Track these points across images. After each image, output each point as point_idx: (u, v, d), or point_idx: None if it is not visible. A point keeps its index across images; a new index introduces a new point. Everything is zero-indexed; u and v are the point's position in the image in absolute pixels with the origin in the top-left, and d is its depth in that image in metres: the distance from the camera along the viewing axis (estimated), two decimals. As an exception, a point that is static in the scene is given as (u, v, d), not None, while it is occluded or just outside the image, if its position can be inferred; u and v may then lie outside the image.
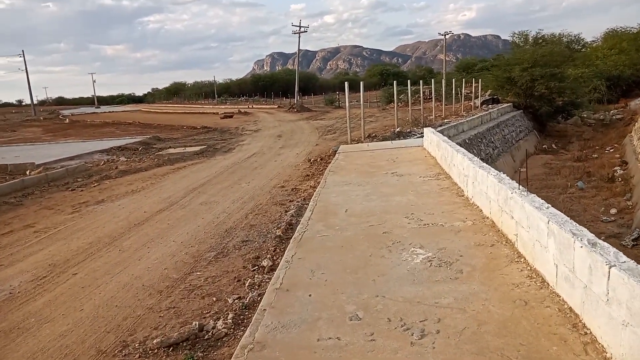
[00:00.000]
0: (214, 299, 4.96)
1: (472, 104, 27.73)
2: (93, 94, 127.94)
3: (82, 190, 11.65)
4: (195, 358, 3.84)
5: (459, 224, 5.51)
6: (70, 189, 11.83)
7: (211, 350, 3.93)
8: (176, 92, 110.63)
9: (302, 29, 49.41)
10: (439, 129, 14.13)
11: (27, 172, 13.46)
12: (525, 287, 3.72)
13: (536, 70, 27.30)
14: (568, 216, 3.79)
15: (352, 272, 4.40)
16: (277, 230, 6.97)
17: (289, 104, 49.49)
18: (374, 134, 16.47)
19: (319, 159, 13.42)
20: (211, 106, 63.46)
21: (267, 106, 55.60)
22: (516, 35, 47.62)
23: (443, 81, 29.05)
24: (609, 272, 2.72)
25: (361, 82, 16.66)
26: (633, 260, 2.77)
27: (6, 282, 5.93)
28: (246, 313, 4.44)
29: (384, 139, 15.12)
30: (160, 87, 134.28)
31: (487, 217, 5.59)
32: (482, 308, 3.48)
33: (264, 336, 3.41)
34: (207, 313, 4.64)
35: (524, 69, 27.81)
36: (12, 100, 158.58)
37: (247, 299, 4.72)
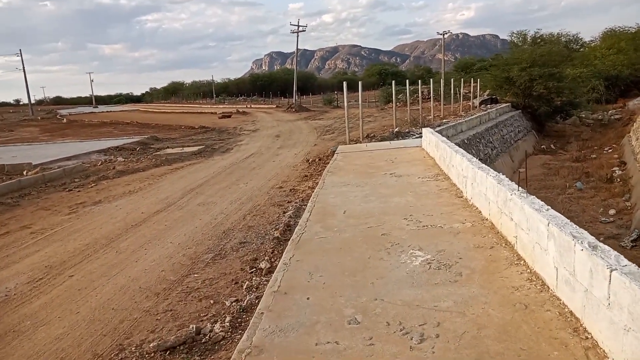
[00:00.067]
0: (212, 301, 4.92)
1: (470, 103, 27.72)
2: (91, 93, 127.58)
3: (79, 191, 11.59)
4: (192, 362, 3.81)
5: (458, 226, 5.48)
6: (67, 190, 11.78)
7: (208, 354, 3.89)
8: (174, 91, 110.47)
9: (301, 29, 49.38)
10: (438, 129, 14.11)
11: (24, 173, 13.40)
12: (525, 290, 3.69)
13: (535, 70, 27.29)
14: (567, 217, 3.77)
15: (351, 274, 4.37)
16: (275, 232, 6.93)
17: (288, 104, 49.44)
18: (372, 134, 16.44)
19: (317, 160, 13.38)
20: (209, 106, 63.34)
21: (266, 106, 55.52)
22: (515, 35, 47.72)
23: (442, 81, 29.05)
24: (610, 275, 2.70)
25: (359, 82, 16.65)
26: (634, 264, 2.74)
27: (2, 284, 5.89)
28: (244, 316, 4.40)
29: (383, 139, 15.09)
30: (158, 86, 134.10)
31: (487, 219, 5.56)
32: (481, 312, 3.45)
33: (261, 340, 3.38)
34: (205, 316, 4.60)
35: (522, 68, 27.80)
36: (10, 99, 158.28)
37: (245, 302, 4.68)
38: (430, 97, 25.68)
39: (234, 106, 55.32)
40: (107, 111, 71.53)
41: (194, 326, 4.23)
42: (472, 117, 20.39)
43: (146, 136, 24.30)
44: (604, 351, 2.81)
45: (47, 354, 4.13)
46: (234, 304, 4.74)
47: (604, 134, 26.38)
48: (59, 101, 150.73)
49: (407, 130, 16.93)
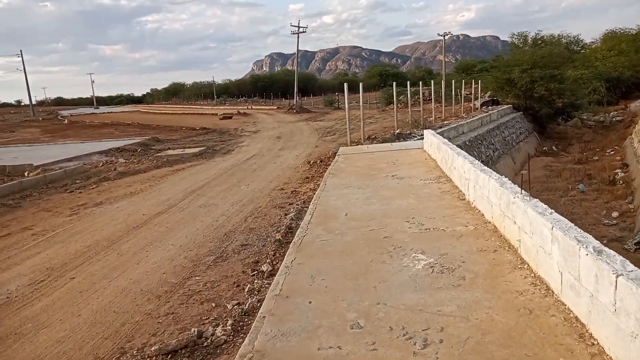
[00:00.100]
0: (213, 304, 4.90)
1: (471, 105, 27.68)
2: (92, 94, 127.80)
3: (80, 192, 11.58)
4: (194, 366, 3.79)
5: (461, 229, 5.46)
6: (68, 191, 11.77)
7: (210, 358, 3.87)
8: (175, 92, 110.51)
9: (301, 30, 49.45)
10: (439, 130, 14.08)
11: (26, 174, 13.39)
12: (530, 295, 3.66)
13: (536, 72, 27.24)
14: (569, 219, 3.74)
15: (353, 278, 4.34)
16: (277, 234, 6.91)
17: (288, 105, 49.44)
18: (373, 136, 16.42)
19: (318, 161, 13.36)
20: (210, 107, 63.38)
21: (266, 107, 55.54)
22: (515, 36, 47.61)
23: (442, 82, 29.01)
24: (616, 281, 2.67)
25: (360, 83, 16.62)
26: (641, 270, 2.72)
27: (3, 286, 5.87)
28: (245, 319, 4.37)
29: (384, 140, 15.06)
30: (159, 87, 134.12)
31: (489, 222, 5.54)
32: (485, 316, 3.42)
33: (263, 345, 3.36)
34: (206, 319, 4.57)
35: (523, 70, 27.76)
36: (11, 100, 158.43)
37: (247, 305, 4.66)
38: (431, 99, 25.70)
39: (235, 107, 55.34)
40: (108, 112, 71.62)
41: (196, 329, 4.21)
42: (474, 118, 20.36)
43: (147, 137, 24.30)
44: (610, 358, 2.78)
45: (49, 357, 4.11)
46: (235, 307, 4.72)
47: (605, 135, 26.34)
48: (60, 102, 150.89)
49: (408, 131, 16.90)
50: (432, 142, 10.72)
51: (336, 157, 12.36)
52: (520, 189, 4.75)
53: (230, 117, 39.18)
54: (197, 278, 5.67)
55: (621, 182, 15.77)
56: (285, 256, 5.26)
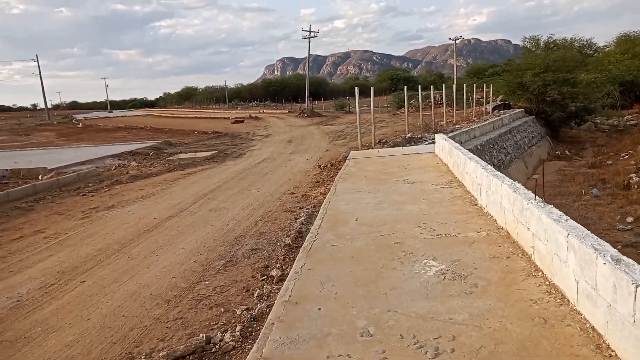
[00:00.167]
0: (222, 309, 4.87)
1: (483, 109, 27.50)
2: (106, 98, 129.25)
3: (93, 196, 11.66)
4: (202, 372, 3.75)
5: (473, 235, 5.38)
6: (81, 194, 11.85)
7: (218, 364, 3.84)
8: (188, 96, 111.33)
9: (312, 34, 49.50)
10: (451, 134, 13.97)
11: (40, 177, 13.53)
12: (544, 304, 3.58)
13: (548, 76, 26.98)
14: (583, 224, 3.66)
15: (363, 284, 4.28)
16: (287, 239, 6.88)
17: (300, 109, 49.53)
18: (384, 140, 16.35)
19: (329, 165, 13.33)
20: (222, 111, 63.71)
21: (278, 111, 55.70)
22: (527, 40, 47.20)
23: (454, 86, 28.85)
24: (636, 291, 2.59)
25: (371, 87, 16.59)
26: (660, 279, 2.63)
27: (14, 289, 5.90)
28: (254, 325, 4.34)
29: (395, 144, 14.99)
30: (172, 91, 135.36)
31: (502, 228, 5.45)
32: (498, 325, 3.34)
33: (271, 352, 3.31)
34: (215, 324, 4.54)
35: (535, 74, 27.50)
36: (27, 104, 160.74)
37: (256, 311, 4.62)
38: (442, 103, 25.54)
39: (247, 111, 55.59)
40: (122, 116, 72.25)
41: (204, 335, 4.18)
42: (485, 122, 20.20)
43: (159, 141, 24.46)
44: (628, 370, 2.70)
45: (57, 361, 4.11)
46: (244, 312, 4.68)
47: (619, 139, 25.97)
48: (74, 106, 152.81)
49: (419, 135, 16.80)
50: (443, 146, 10.63)
51: (347, 161, 12.31)
52: (534, 194, 4.66)
53: (242, 121, 39.35)
54: (206, 282, 5.65)
55: (636, 186, 15.50)
56: (295, 261, 5.22)
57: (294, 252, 6.15)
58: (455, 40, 55.14)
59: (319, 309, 3.88)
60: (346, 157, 13.16)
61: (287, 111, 53.13)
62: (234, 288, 5.43)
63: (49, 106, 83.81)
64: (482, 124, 19.66)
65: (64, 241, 7.88)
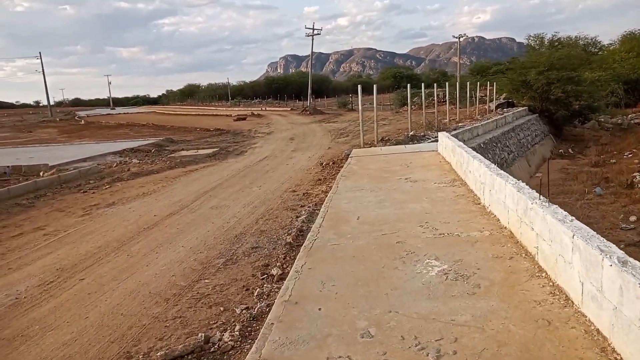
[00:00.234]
0: (222, 308, 4.82)
1: (486, 107, 27.38)
2: (109, 95, 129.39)
3: (93, 193, 11.63)
4: (200, 373, 3.70)
5: (476, 234, 5.31)
6: (82, 191, 11.82)
7: (217, 364, 3.79)
8: (190, 94, 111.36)
9: (316, 32, 49.38)
10: (454, 132, 13.89)
11: (41, 174, 13.51)
12: (548, 305, 3.51)
13: (552, 74, 26.85)
14: (586, 223, 3.59)
15: (364, 284, 4.22)
16: (288, 237, 6.82)
17: (302, 107, 49.43)
18: (387, 138, 16.27)
19: (331, 163, 13.27)
20: (225, 108, 63.69)
21: (280, 108, 55.61)
22: (532, 38, 47.01)
23: (457, 84, 28.74)
24: (643, 294, 2.52)
25: (374, 85, 16.49)
26: (668, 282, 2.56)
27: (13, 286, 5.87)
28: (254, 325, 4.29)
29: (398, 142, 14.91)
30: (175, 89, 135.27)
31: (505, 227, 5.38)
32: (501, 327, 3.28)
33: (270, 353, 3.26)
34: (214, 324, 4.49)
35: (539, 72, 27.37)
36: (30, 101, 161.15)
37: (255, 310, 4.57)
38: (445, 101, 25.43)
39: (249, 109, 55.50)
40: (124, 113, 72.29)
41: (203, 335, 4.13)
42: (488, 120, 20.10)
43: (161, 138, 24.41)
44: (634, 374, 2.64)
45: (54, 360, 4.07)
46: (244, 311, 4.64)
47: (623, 138, 25.84)
48: (77, 103, 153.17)
49: (422, 133, 16.72)
50: (446, 144, 10.55)
51: (349, 159, 12.24)
52: (538, 194, 4.59)
53: (244, 119, 39.28)
54: (206, 281, 5.60)
55: (639, 185, 15.39)
56: (296, 260, 5.16)
57: (294, 251, 6.09)
58: (459, 38, 54.89)
59: (319, 309, 3.83)
60: (348, 155, 13.09)
61: (289, 109, 53.03)
62: (233, 287, 5.38)
63: (52, 103, 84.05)
64: (485, 122, 19.57)
65: (63, 238, 7.84)
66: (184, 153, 18.54)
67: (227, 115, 45.15)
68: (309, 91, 51.05)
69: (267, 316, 3.99)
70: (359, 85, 15.52)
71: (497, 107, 27.63)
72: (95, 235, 7.91)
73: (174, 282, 5.63)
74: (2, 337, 4.56)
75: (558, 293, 3.67)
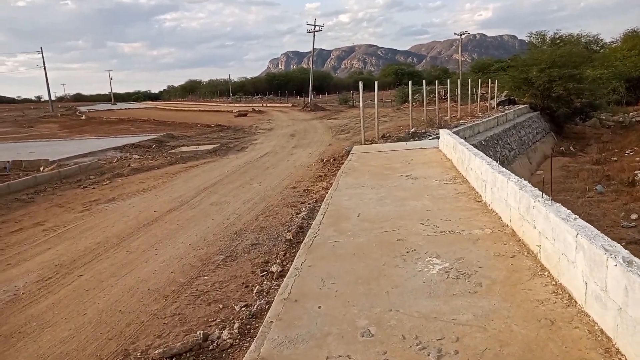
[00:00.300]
0: (221, 305, 4.78)
1: (487, 104, 27.30)
2: (110, 90, 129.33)
3: (93, 188, 11.59)
4: (199, 371, 3.67)
5: (477, 232, 5.26)
6: (82, 187, 11.78)
7: (215, 362, 3.75)
8: (191, 89, 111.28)
9: (317, 28, 49.24)
10: (455, 130, 13.84)
11: (41, 169, 13.47)
12: (551, 305, 3.47)
13: (554, 71, 26.76)
14: (587, 221, 3.54)
15: (364, 282, 4.18)
16: (288, 234, 6.78)
17: (303, 103, 49.35)
18: (388, 135, 16.21)
19: (331, 160, 13.21)
20: (226, 104, 63.59)
21: (281, 105, 55.54)
22: (533, 36, 46.83)
23: (458, 81, 28.67)
24: (649, 295, 2.48)
25: (375, 82, 16.43)
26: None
27: (11, 282, 5.83)
28: (253, 322, 4.25)
29: (399, 139, 14.85)
30: (176, 84, 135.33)
31: (507, 225, 5.33)
32: (504, 327, 3.24)
33: (269, 352, 3.22)
34: (213, 321, 4.45)
35: (541, 69, 27.27)
36: (31, 96, 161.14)
37: (255, 307, 4.53)
38: (446, 98, 25.37)
39: (250, 105, 55.45)
40: (125, 108, 72.21)
41: (202, 332, 4.09)
42: (490, 118, 20.05)
43: (162, 134, 24.36)
44: (639, 376, 2.59)
45: (51, 357, 4.03)
46: (243, 309, 4.60)
47: (625, 136, 25.77)
48: (79, 98, 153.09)
49: (423, 130, 16.66)
50: (447, 141, 10.49)
51: (350, 155, 12.19)
52: (541, 192, 4.54)
53: (245, 115, 39.22)
54: (205, 278, 5.56)
55: (641, 184, 15.34)
56: (296, 257, 5.12)
57: (294, 248, 6.05)
58: (461, 35, 54.69)
59: (319, 307, 3.79)
60: (349, 151, 13.03)
61: (290, 105, 52.97)
62: (233, 284, 5.34)
63: (53, 98, 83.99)
64: (487, 119, 19.51)
65: (63, 234, 7.81)
66: (184, 149, 18.49)
67: (228, 112, 45.09)
68: (310, 87, 50.96)
69: (266, 314, 3.95)
70: (360, 82, 15.45)
71: (498, 104, 27.55)
72: (94, 231, 7.87)
73: (173, 278, 5.60)
74: (0, 334, 4.52)
75: (561, 292, 3.62)
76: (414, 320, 3.44)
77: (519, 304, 3.54)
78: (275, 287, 4.87)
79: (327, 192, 8.33)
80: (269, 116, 37.77)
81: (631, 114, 32.63)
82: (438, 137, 12.34)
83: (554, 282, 3.80)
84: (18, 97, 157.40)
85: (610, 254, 2.91)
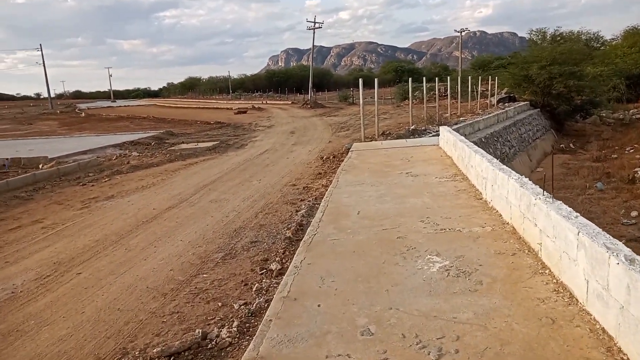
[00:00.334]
0: (220, 304, 4.76)
1: (488, 102, 27.25)
2: (109, 88, 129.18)
3: (92, 185, 11.56)
4: (197, 370, 3.64)
5: (478, 230, 5.24)
6: (81, 184, 11.76)
7: (214, 361, 3.72)
8: (191, 87, 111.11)
9: (317, 25, 49.07)
10: (455, 127, 13.80)
11: (40, 166, 13.44)
12: (552, 303, 3.44)
13: (554, 68, 26.70)
14: (587, 218, 3.51)
15: (364, 280, 4.16)
16: (287, 231, 6.75)
17: (303, 100, 49.28)
18: (388, 132, 16.17)
19: (331, 157, 13.18)
20: (225, 101, 63.52)
21: (281, 102, 55.44)
22: (534, 33, 46.70)
23: (459, 79, 28.61)
24: (651, 294, 2.45)
25: (375, 79, 16.37)
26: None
27: (10, 280, 5.80)
28: (252, 321, 4.22)
29: (399, 136, 14.82)
30: (176, 81, 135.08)
31: (508, 223, 5.31)
32: (504, 325, 3.21)
33: (268, 350, 3.19)
34: (212, 319, 4.43)
35: (541, 67, 27.20)
36: (31, 93, 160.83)
37: (254, 305, 4.51)
38: (447, 95, 25.31)
39: (250, 102, 55.37)
40: (125, 106, 72.13)
41: (200, 330, 4.07)
42: (490, 115, 20.00)
43: (162, 131, 24.33)
44: (641, 375, 2.57)
45: (49, 356, 4.01)
46: (242, 307, 4.57)
47: (625, 133, 25.73)
48: (78, 95, 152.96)
49: (423, 128, 16.63)
50: (448, 139, 10.46)
51: (349, 153, 12.16)
52: (542, 189, 4.51)
53: (244, 112, 39.17)
54: (204, 276, 5.54)
55: (641, 181, 15.31)
56: (295, 255, 5.09)
57: (294, 245, 6.03)
58: (461, 32, 54.62)
59: (319, 305, 3.76)
60: (349, 149, 13.00)
61: (290, 102, 52.87)
62: (232, 282, 5.31)
63: (53, 95, 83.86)
64: (487, 116, 19.46)
65: (61, 231, 7.78)
66: (184, 146, 18.46)
67: (227, 109, 45.02)
68: (310, 85, 50.84)
69: (265, 312, 3.92)
70: (360, 79, 15.40)
71: (498, 101, 27.50)
72: (93, 228, 7.85)
73: (171, 276, 5.57)
74: (-2, 332, 4.50)
75: (562, 290, 3.60)
76: (414, 319, 3.42)
77: (520, 302, 3.51)
78: (275, 285, 4.84)
79: (326, 190, 8.30)
80: (268, 113, 37.72)
81: (631, 111, 32.55)
82: (438, 135, 12.30)
83: (555, 280, 3.77)
84: (17, 94, 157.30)
85: (612, 252, 2.88)
